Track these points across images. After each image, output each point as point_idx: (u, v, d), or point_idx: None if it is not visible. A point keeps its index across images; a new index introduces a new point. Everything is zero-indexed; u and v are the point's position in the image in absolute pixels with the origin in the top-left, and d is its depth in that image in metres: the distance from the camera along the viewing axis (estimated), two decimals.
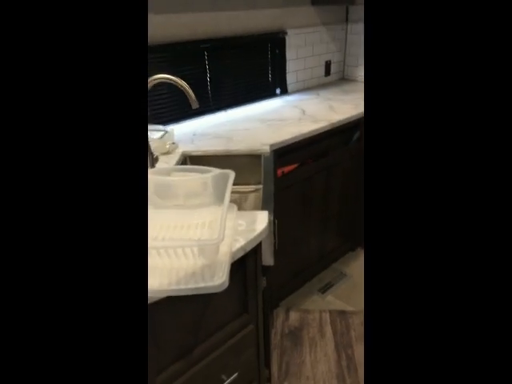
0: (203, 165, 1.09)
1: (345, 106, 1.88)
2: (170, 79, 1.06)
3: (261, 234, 0.87)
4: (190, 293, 0.69)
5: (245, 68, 1.92)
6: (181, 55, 1.64)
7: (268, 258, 1.02)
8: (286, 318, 1.73)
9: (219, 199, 0.93)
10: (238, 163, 1.39)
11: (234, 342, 0.97)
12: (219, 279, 0.70)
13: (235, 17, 1.82)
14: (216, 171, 0.93)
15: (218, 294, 0.87)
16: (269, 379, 1.41)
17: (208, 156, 1.39)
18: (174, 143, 1.41)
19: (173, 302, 0.77)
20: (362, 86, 2.29)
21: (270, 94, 2.09)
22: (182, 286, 0.69)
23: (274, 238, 1.04)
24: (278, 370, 1.48)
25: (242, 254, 0.83)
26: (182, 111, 1.71)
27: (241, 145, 1.42)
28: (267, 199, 1.06)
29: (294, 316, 1.74)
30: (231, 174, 0.91)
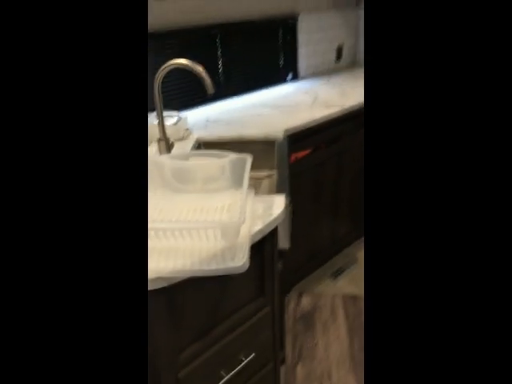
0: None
1: (356, 91, 1.86)
2: (186, 65, 1.06)
3: (278, 217, 0.88)
4: (212, 274, 0.70)
5: (256, 53, 1.91)
6: (191, 41, 1.64)
7: (284, 242, 1.03)
8: (298, 303, 1.75)
9: (236, 183, 0.94)
10: (252, 149, 1.39)
11: (251, 324, 0.99)
12: (240, 261, 0.71)
13: (246, 1, 1.80)
14: (233, 156, 0.93)
15: (235, 277, 0.89)
16: (283, 361, 1.44)
17: (222, 142, 1.39)
18: (188, 129, 1.42)
19: (193, 284, 0.78)
20: None
21: (281, 80, 2.08)
22: (205, 267, 0.70)
23: (290, 222, 1.05)
24: (292, 352, 1.51)
25: (260, 237, 0.84)
26: (193, 97, 1.72)
27: (254, 131, 1.42)
28: (282, 184, 1.06)
29: (306, 300, 1.76)
30: (248, 158, 0.91)
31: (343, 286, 1.86)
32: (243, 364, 0.98)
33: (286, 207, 0.92)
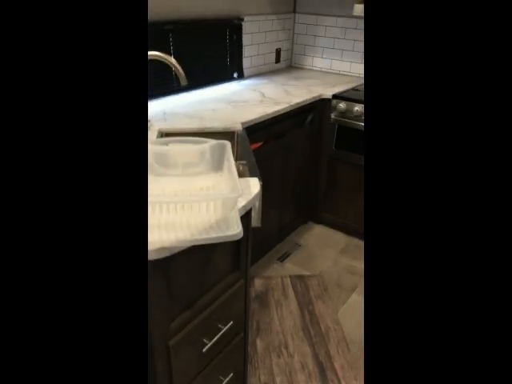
0: None
1: (299, 90, 2.05)
2: (160, 57, 1.12)
3: (256, 195, 1.00)
4: (212, 241, 0.80)
5: (205, 51, 1.99)
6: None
7: (256, 221, 1.15)
8: (251, 285, 1.88)
9: (216, 168, 1.04)
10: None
11: (229, 295, 1.10)
12: (235, 230, 0.82)
13: (198, 1, 1.88)
14: (213, 141, 1.03)
15: (216, 251, 0.99)
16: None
17: (184, 133, 1.46)
18: (149, 121, 1.46)
19: (183, 256, 0.86)
20: (310, 73, 2.48)
21: (229, 77, 2.19)
22: (205, 236, 0.79)
23: (261, 203, 1.18)
24: (251, 328, 1.63)
25: (243, 212, 0.95)
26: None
27: (214, 123, 1.52)
28: (252, 170, 1.18)
29: (258, 282, 1.90)
30: (228, 144, 1.02)
31: (290, 268, 2.03)
32: (222, 332, 1.08)
33: (260, 189, 1.04)
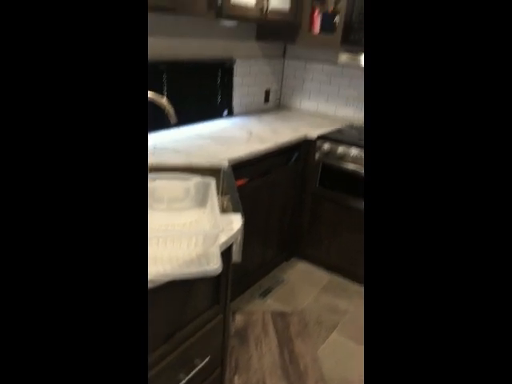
0: None
1: (286, 130, 2.15)
2: (152, 98, 1.19)
3: (238, 231, 1.04)
4: (192, 276, 0.83)
5: (197, 90, 2.09)
6: None
7: (237, 256, 1.18)
8: (232, 320, 1.87)
9: (199, 204, 1.08)
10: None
11: (207, 330, 1.11)
12: (215, 265, 0.85)
13: (192, 43, 1.99)
14: (198, 179, 1.08)
15: (197, 285, 1.01)
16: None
17: (171, 168, 1.51)
18: None
19: (164, 289, 0.88)
20: (297, 114, 2.60)
21: (218, 115, 2.28)
22: (186, 270, 0.82)
23: (242, 239, 1.21)
24: (229, 365, 1.61)
25: (224, 247, 0.98)
26: None
27: (201, 159, 1.57)
28: (235, 206, 1.22)
29: (239, 318, 1.89)
30: (212, 182, 1.06)
31: (271, 304, 2.03)
32: (199, 367, 1.08)
33: (242, 224, 1.08)
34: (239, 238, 1.17)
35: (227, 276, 1.12)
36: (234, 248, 1.16)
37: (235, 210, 1.19)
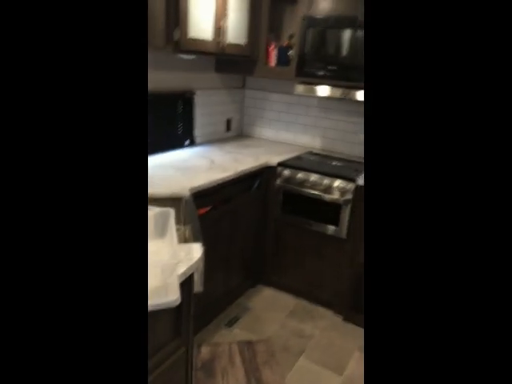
0: None
1: (247, 158, 2.19)
2: None
3: (198, 261, 1.04)
4: (149, 309, 0.81)
5: (158, 121, 2.10)
6: None
7: (198, 286, 1.17)
8: (197, 353, 1.82)
9: (159, 234, 1.08)
10: (160, 206, 1.53)
11: (169, 364, 1.08)
12: (173, 296, 0.84)
13: (152, 76, 2.02)
14: (156, 209, 1.08)
15: (156, 318, 0.99)
16: None
17: None
18: None
19: None
20: (258, 142, 2.66)
21: (180, 145, 2.29)
22: None
23: (204, 268, 1.21)
24: None
25: (183, 278, 0.98)
26: None
27: (162, 188, 1.57)
28: (196, 235, 1.23)
29: (204, 350, 1.85)
30: (171, 212, 1.07)
31: (238, 333, 2.01)
32: None
33: (203, 254, 1.08)
34: (200, 267, 1.17)
35: (189, 307, 1.11)
36: (196, 278, 1.16)
37: (196, 240, 1.20)
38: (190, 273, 1.02)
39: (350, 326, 2.13)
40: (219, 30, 1.92)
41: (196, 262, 1.03)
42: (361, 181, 1.95)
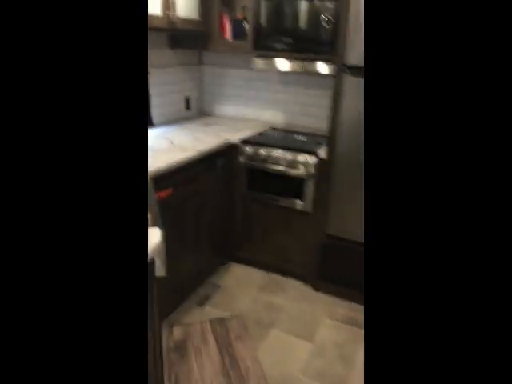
0: None
1: (208, 136, 2.15)
2: None
3: (157, 245, 1.02)
4: None
5: None
6: None
7: (160, 270, 1.16)
8: (170, 334, 1.83)
9: None
10: None
11: None
12: None
13: None
14: None
15: None
16: None
17: None
18: None
19: None
20: (219, 120, 2.61)
21: None
22: None
23: (165, 252, 1.19)
24: (169, 382, 1.58)
25: None
26: None
27: None
28: (155, 220, 1.20)
29: (177, 331, 1.86)
30: None
31: (210, 311, 2.03)
32: None
33: (162, 238, 1.06)
34: (162, 251, 1.16)
35: (151, 292, 1.10)
36: (158, 263, 1.14)
37: (154, 224, 1.18)
38: (150, 258, 1.00)
39: (319, 295, 2.20)
40: (167, 3, 1.83)
41: (155, 247, 1.01)
42: (322, 153, 1.97)
